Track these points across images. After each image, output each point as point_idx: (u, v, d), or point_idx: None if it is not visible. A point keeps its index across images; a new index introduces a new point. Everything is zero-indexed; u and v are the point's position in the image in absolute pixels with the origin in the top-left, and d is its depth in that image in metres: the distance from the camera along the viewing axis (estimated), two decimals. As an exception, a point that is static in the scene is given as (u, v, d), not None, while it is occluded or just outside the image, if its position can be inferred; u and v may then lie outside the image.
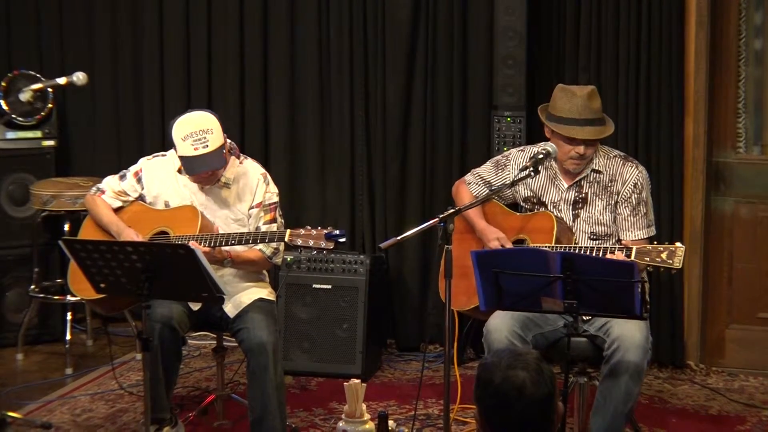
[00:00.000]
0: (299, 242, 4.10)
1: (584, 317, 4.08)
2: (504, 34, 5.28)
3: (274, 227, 4.40)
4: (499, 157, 4.60)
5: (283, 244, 4.33)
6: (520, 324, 4.12)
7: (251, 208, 4.41)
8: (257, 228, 4.38)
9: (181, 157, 4.27)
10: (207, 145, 4.21)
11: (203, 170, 4.28)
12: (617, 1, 5.28)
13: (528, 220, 4.42)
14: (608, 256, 3.99)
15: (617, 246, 4.07)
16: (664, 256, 3.90)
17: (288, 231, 4.14)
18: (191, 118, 4.29)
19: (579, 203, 4.36)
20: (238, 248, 4.32)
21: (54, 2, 6.09)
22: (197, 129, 4.22)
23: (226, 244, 4.21)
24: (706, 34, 5.27)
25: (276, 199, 4.47)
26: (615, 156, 4.37)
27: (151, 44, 5.95)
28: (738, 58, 5.37)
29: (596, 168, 4.34)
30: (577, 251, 4.12)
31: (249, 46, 5.83)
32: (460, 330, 4.79)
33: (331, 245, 4.08)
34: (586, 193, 4.35)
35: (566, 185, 4.37)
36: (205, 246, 4.13)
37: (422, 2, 5.57)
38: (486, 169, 4.58)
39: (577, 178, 4.35)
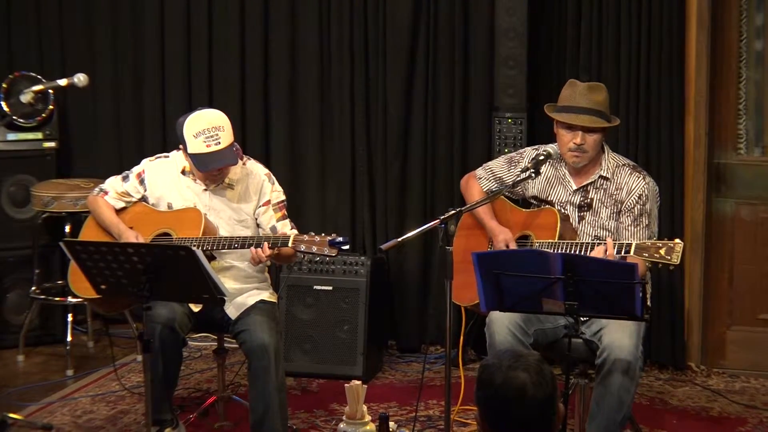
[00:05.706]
0: (302, 248, 4.09)
1: (582, 318, 4.08)
2: (505, 35, 5.28)
3: (287, 224, 4.39)
4: (513, 153, 4.59)
5: None
6: (523, 316, 4.10)
7: (258, 207, 4.41)
8: (273, 227, 4.37)
9: (193, 155, 4.25)
10: (219, 142, 4.21)
11: (216, 166, 4.26)
12: (617, 1, 5.28)
13: (533, 216, 4.41)
14: (598, 249, 3.97)
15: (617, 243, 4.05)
16: (662, 252, 3.90)
17: (291, 237, 4.13)
18: (203, 115, 4.27)
19: (584, 207, 4.36)
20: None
21: (54, 3, 6.10)
22: (209, 126, 4.22)
23: (229, 248, 4.21)
24: (707, 35, 5.27)
25: (283, 197, 4.46)
26: (624, 165, 4.35)
27: (152, 45, 5.95)
28: (739, 59, 5.37)
29: (604, 175, 4.32)
30: (577, 248, 4.11)
31: (250, 48, 5.83)
32: (461, 331, 4.78)
33: (334, 252, 4.06)
34: (592, 199, 4.34)
35: (574, 187, 4.36)
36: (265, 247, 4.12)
37: (423, 3, 5.57)
38: (498, 165, 4.56)
39: (584, 183, 4.35)
